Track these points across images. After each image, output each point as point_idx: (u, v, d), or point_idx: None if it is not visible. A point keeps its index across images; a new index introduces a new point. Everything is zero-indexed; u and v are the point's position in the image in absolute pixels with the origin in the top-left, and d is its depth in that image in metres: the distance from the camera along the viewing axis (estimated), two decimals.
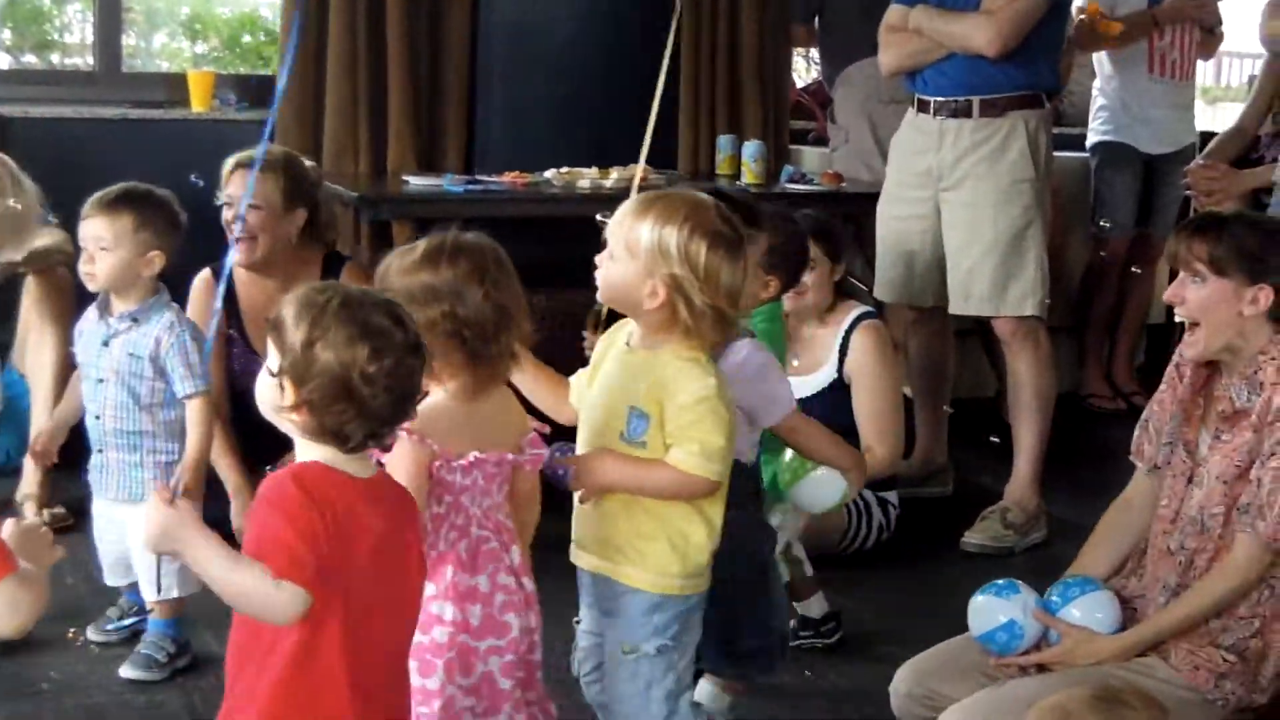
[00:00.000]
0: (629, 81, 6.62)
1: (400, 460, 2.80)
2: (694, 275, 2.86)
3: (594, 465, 2.95)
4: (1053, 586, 3.34)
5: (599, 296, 3.05)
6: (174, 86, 6.51)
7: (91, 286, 3.90)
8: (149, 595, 3.89)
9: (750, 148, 6.42)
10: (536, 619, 2.95)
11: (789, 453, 3.63)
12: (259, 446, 4.47)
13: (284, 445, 2.74)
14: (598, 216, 3.17)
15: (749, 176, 6.35)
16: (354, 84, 6.29)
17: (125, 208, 3.81)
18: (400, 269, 2.93)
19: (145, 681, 3.86)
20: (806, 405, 3.64)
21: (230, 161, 4.76)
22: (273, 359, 2.45)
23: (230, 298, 4.89)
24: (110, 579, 4.04)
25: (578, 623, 3.24)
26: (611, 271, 2.96)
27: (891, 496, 4.98)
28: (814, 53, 8.01)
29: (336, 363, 2.38)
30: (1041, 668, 3.26)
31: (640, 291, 2.90)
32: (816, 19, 6.99)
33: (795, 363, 4.82)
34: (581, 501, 3.00)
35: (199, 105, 6.36)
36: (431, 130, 6.47)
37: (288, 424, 2.48)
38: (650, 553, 2.97)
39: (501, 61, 6.52)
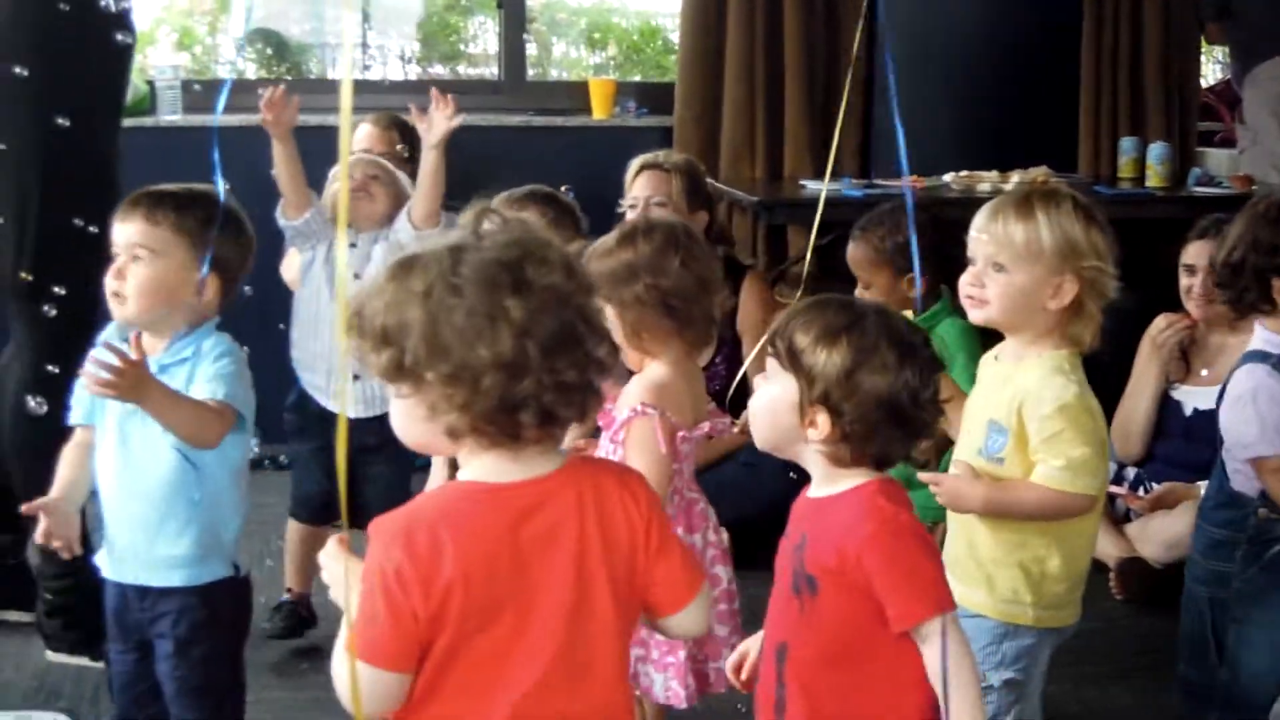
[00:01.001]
0: (1029, 83, 6.54)
1: (647, 439, 2.88)
2: (1103, 262, 2.84)
3: (958, 490, 2.86)
4: None
5: (982, 318, 2.94)
6: (575, 94, 6.64)
7: None
8: None
9: (1156, 150, 6.21)
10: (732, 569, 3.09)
11: None
12: None
13: None
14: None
15: (1154, 179, 6.16)
16: (751, 88, 6.32)
17: (531, 205, 3.90)
18: (598, 254, 3.02)
19: None
20: (1213, 417, 3.38)
21: (635, 163, 4.84)
22: (785, 384, 2.35)
23: None
24: None
25: None
26: (1010, 283, 2.86)
27: None
28: (1218, 52, 7.76)
29: (886, 388, 2.29)
30: None
31: (1043, 295, 2.83)
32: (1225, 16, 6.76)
33: (1204, 373, 4.67)
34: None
35: (600, 112, 6.48)
36: (828, 133, 6.45)
37: (804, 452, 2.39)
38: (1001, 578, 2.89)
39: (898, 62, 6.46)
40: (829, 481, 2.37)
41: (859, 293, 3.97)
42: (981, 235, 2.91)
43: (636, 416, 2.92)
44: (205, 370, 2.96)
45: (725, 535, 3.12)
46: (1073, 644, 4.24)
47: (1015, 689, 2.90)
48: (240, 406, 2.97)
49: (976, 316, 2.95)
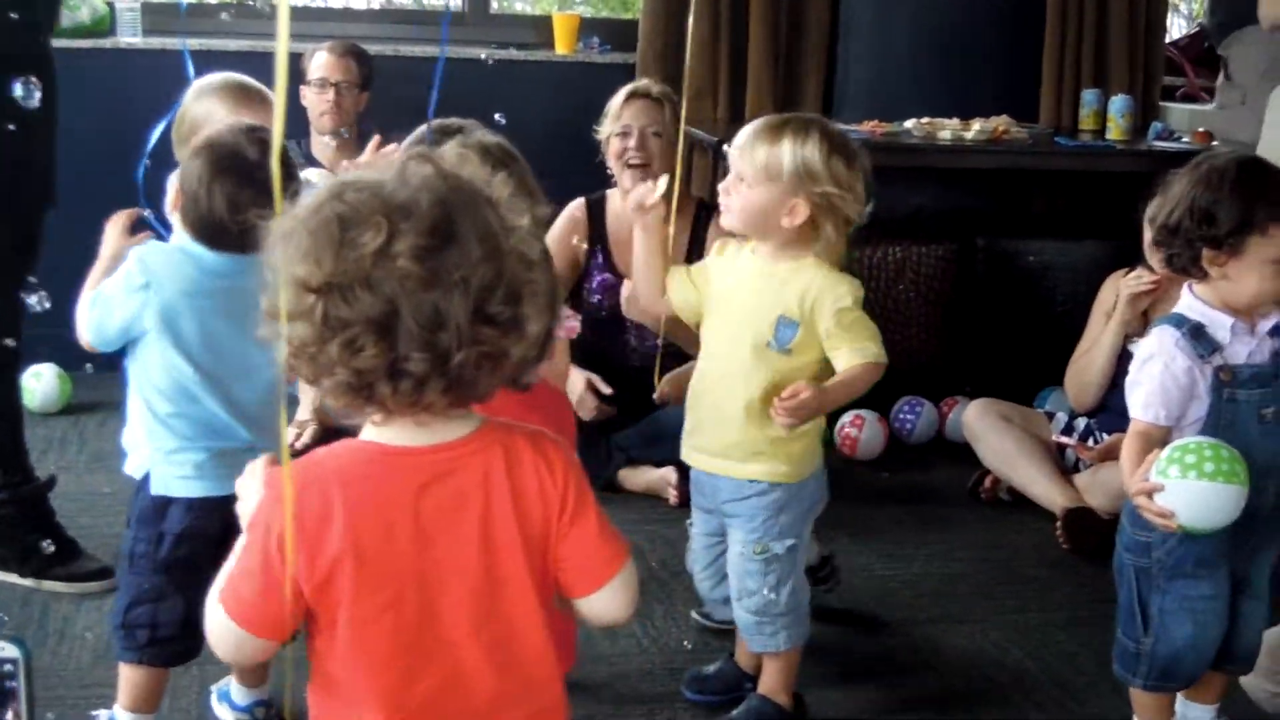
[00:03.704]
0: (994, 31, 6.53)
1: None
2: (840, 189, 3.10)
3: (822, 400, 3.12)
4: None
5: (728, 223, 3.21)
6: (539, 29, 6.61)
7: None
8: None
9: (1117, 102, 6.22)
10: None
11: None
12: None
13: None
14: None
15: (1115, 132, 6.17)
16: (715, 26, 6.29)
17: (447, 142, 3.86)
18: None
19: None
20: None
21: (623, 91, 4.81)
22: None
23: (600, 221, 5.00)
24: None
25: (689, 524, 3.55)
26: (750, 198, 3.14)
27: None
28: (1183, 6, 7.73)
29: None
30: None
31: (779, 212, 3.12)
32: None
33: None
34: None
35: (563, 48, 6.45)
36: (790, 75, 6.44)
37: None
38: (770, 452, 3.21)
39: (865, 7, 6.45)
40: None
41: None
42: (735, 151, 3.19)
43: None
44: None
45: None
46: (1018, 590, 4.29)
47: (794, 553, 3.28)
48: (91, 331, 3.00)
49: (724, 221, 3.23)
